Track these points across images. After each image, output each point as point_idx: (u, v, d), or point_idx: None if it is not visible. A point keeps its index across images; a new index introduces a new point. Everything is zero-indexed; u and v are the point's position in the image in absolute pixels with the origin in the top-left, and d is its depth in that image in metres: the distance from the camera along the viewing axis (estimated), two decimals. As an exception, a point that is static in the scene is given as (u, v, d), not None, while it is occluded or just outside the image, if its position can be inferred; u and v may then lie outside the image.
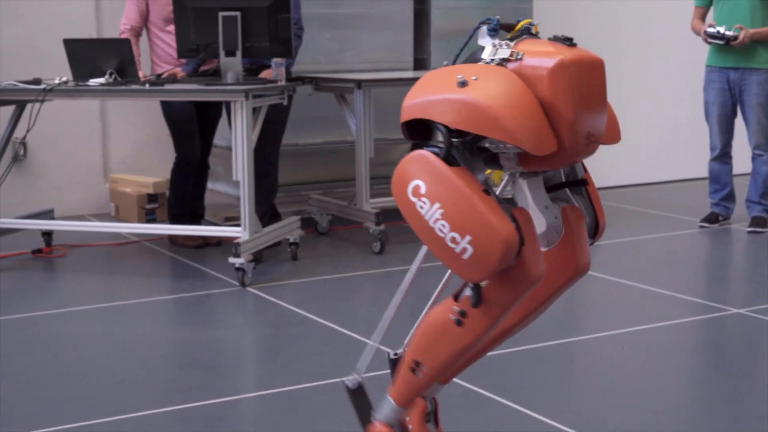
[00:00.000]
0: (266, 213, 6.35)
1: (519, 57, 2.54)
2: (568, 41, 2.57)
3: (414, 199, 2.56)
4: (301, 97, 6.84)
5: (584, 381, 4.44)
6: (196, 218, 6.72)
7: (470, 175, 2.54)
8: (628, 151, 8.88)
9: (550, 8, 8.36)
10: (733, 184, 7.28)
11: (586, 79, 2.55)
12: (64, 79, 6.01)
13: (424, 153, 2.57)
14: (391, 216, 6.94)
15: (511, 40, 2.60)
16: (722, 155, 7.19)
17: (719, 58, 7.02)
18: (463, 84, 2.50)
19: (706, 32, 6.95)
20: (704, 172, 7.44)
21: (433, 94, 2.54)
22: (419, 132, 2.69)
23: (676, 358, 4.73)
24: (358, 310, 5.42)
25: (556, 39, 2.57)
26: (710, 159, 7.24)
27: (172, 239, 6.73)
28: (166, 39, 6.46)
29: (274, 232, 6.08)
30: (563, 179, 2.82)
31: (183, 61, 6.37)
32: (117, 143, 7.85)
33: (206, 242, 6.62)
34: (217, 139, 6.93)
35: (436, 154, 2.55)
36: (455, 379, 4.19)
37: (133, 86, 5.83)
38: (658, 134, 9.08)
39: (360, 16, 7.39)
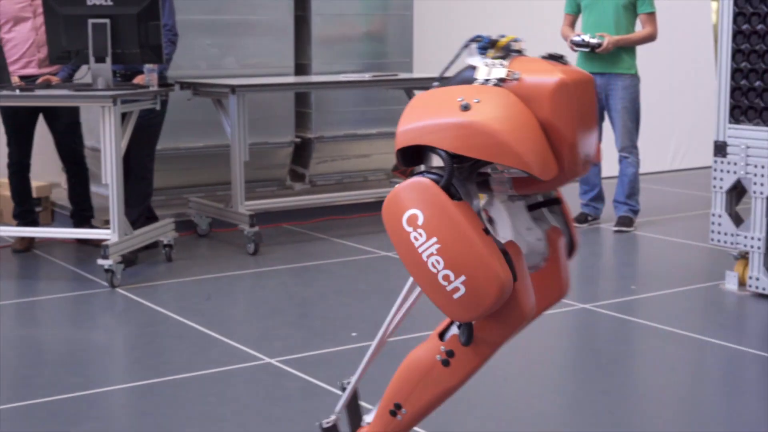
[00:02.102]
0: (141, 216, 6.46)
1: (516, 77, 2.46)
2: (561, 59, 2.52)
3: (409, 229, 2.45)
4: (181, 102, 6.98)
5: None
6: (85, 220, 6.82)
7: (472, 212, 2.43)
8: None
9: (431, 12, 8.56)
10: (602, 186, 7.53)
11: (583, 98, 2.49)
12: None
13: (425, 181, 2.44)
14: (265, 218, 7.12)
15: (502, 58, 2.52)
16: (591, 158, 7.43)
17: (586, 64, 7.27)
18: (466, 108, 2.39)
19: (571, 41, 7.20)
20: (575, 174, 7.66)
21: (433, 118, 2.42)
22: (413, 159, 2.57)
23: (531, 352, 4.93)
24: (220, 309, 5.56)
25: (549, 57, 2.53)
26: (580, 161, 7.48)
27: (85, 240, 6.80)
28: (11, 38, 6.52)
29: (145, 234, 6.21)
30: (539, 199, 2.76)
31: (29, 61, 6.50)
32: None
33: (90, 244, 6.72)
34: (97, 143, 7.03)
35: (436, 182, 2.42)
36: (297, 372, 4.38)
37: (4, 92, 5.92)
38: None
39: (241, 22, 7.54)
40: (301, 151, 8.00)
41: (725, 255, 6.11)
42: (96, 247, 6.74)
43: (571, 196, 7.86)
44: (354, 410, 3.08)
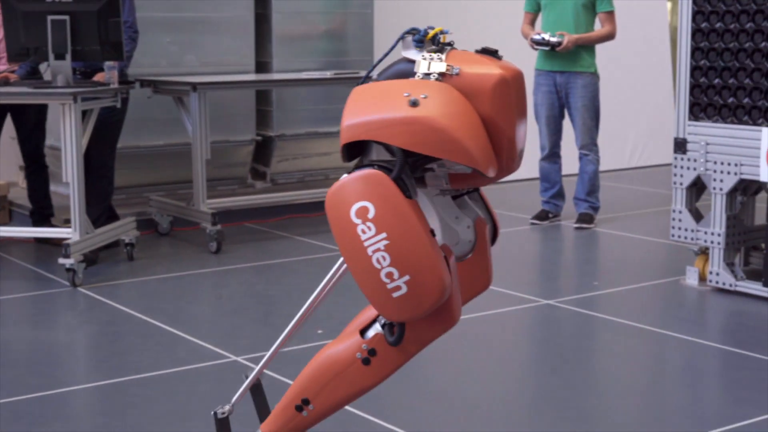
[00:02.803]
0: (102, 214, 6.42)
1: (456, 72, 2.42)
2: (495, 54, 2.50)
3: (357, 221, 2.35)
4: (141, 99, 6.94)
5: (410, 379, 4.62)
6: (45, 219, 6.77)
7: (420, 211, 2.38)
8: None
9: (391, 10, 8.57)
10: (562, 183, 7.58)
11: (519, 93, 2.48)
12: None
13: (379, 174, 2.35)
14: (227, 217, 7.09)
15: (438, 51, 2.48)
16: (551, 155, 7.49)
17: (547, 63, 7.31)
18: (414, 103, 2.33)
19: (532, 39, 7.23)
20: (535, 172, 7.72)
21: (382, 113, 2.35)
22: (357, 152, 2.49)
23: (495, 349, 4.96)
24: (184, 308, 5.54)
25: (484, 51, 2.50)
26: (540, 159, 7.53)
27: (44, 240, 6.75)
28: None
29: (106, 233, 6.17)
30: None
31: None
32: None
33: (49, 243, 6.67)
34: (57, 141, 6.99)
35: (387, 176, 2.35)
36: (270, 372, 4.37)
37: (-38, 89, 5.87)
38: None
39: (201, 20, 7.51)
40: (263, 150, 7.98)
41: (685, 251, 6.17)
42: (56, 246, 6.70)
43: (532, 193, 7.92)
44: (261, 401, 3.03)
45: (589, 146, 7.38)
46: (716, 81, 5.51)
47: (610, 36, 7.31)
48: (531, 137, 7.77)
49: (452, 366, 4.61)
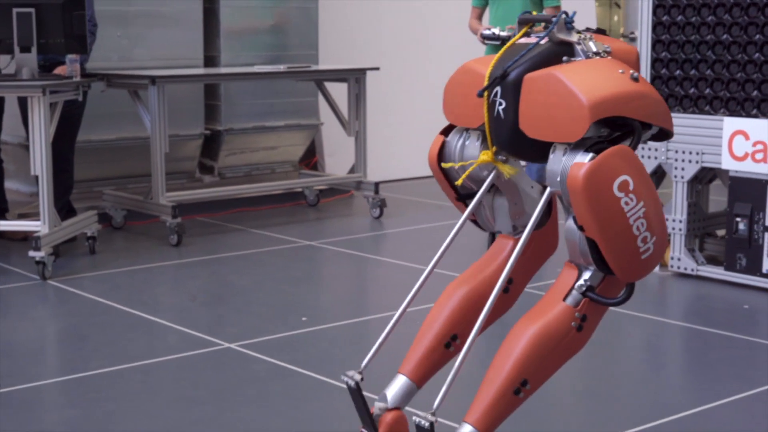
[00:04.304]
0: (62, 209, 6.38)
1: (609, 50, 2.68)
2: (605, 32, 2.79)
3: (620, 194, 2.53)
4: (94, 93, 6.89)
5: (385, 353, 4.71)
6: (1, 214, 6.68)
7: None
8: (412, 144, 9.27)
9: (334, 8, 8.65)
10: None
11: None
12: None
13: (628, 149, 2.55)
14: (186, 209, 7.10)
15: (578, 33, 2.72)
16: (499, 147, 7.63)
17: (495, 56, 7.45)
18: (636, 79, 2.57)
19: (482, 35, 7.34)
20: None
21: (618, 89, 2.54)
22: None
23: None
24: (161, 298, 5.56)
25: (598, 31, 2.76)
26: (488, 151, 7.68)
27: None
28: None
29: (72, 226, 6.14)
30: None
31: None
32: None
33: (25, 237, 6.58)
34: (9, 137, 6.92)
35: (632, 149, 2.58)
36: (260, 355, 4.44)
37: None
38: (439, 128, 9.45)
39: (151, 13, 7.49)
40: (210, 144, 7.99)
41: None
42: (11, 240, 6.64)
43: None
44: (362, 402, 3.00)
45: (537, 138, 7.53)
46: (677, 72, 5.71)
47: (557, 30, 7.48)
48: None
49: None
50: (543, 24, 2.79)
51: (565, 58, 2.70)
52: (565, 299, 2.69)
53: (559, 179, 2.62)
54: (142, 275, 5.94)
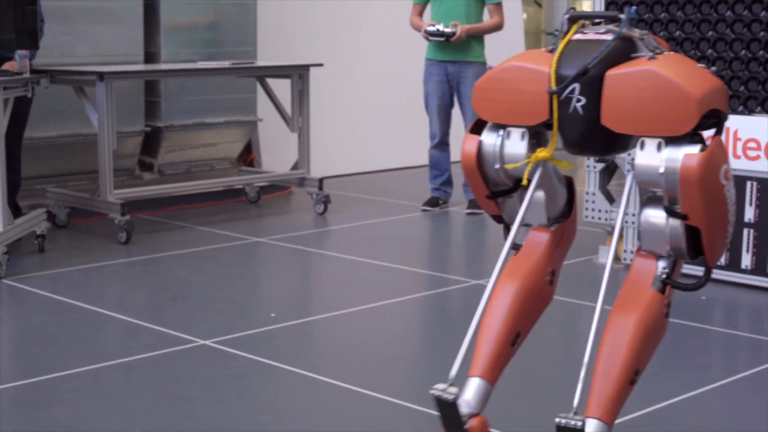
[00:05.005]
0: (11, 206, 6.28)
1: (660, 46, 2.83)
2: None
3: (724, 182, 2.69)
4: (36, 90, 6.79)
5: (358, 346, 4.76)
6: None
7: None
8: (353, 141, 9.32)
9: (273, 5, 8.63)
10: (451, 170, 7.82)
11: None
12: None
13: (721, 139, 2.70)
14: (134, 206, 7.03)
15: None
16: (441, 143, 7.71)
17: (438, 53, 7.53)
18: (715, 73, 2.75)
19: (426, 31, 7.43)
20: (424, 160, 7.95)
21: (710, 85, 2.68)
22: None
23: (426, 325, 5.15)
24: (123, 297, 5.51)
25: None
26: (430, 147, 7.74)
27: None
28: None
29: (24, 224, 6.05)
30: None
31: None
32: None
33: None
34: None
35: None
36: (238, 352, 4.45)
37: None
38: (380, 124, 9.52)
39: (91, 9, 7.40)
40: (149, 141, 7.92)
41: (588, 232, 6.52)
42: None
43: (422, 180, 8.14)
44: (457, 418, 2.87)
45: (478, 134, 7.62)
46: (629, 69, 5.84)
47: (498, 26, 7.59)
48: (421, 126, 8.02)
49: (395, 336, 4.78)
50: (589, 21, 2.88)
51: (632, 54, 2.76)
52: (656, 287, 2.78)
53: (662, 171, 2.69)
54: (97, 273, 5.87)
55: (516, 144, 2.90)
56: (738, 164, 5.45)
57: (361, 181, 8.99)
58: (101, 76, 6.55)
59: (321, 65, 7.72)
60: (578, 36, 2.83)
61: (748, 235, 5.56)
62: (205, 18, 8.05)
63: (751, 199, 5.55)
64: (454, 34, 7.36)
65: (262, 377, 4.24)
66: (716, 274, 5.64)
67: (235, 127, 8.28)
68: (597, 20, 2.89)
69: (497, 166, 2.92)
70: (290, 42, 8.78)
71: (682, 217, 2.72)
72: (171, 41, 7.85)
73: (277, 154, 8.65)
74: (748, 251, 5.58)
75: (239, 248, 6.54)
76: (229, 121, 8.20)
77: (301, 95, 7.65)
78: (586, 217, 6.14)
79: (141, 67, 7.36)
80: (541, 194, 2.98)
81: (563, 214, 3.04)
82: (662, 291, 2.78)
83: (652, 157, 2.73)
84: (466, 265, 6.43)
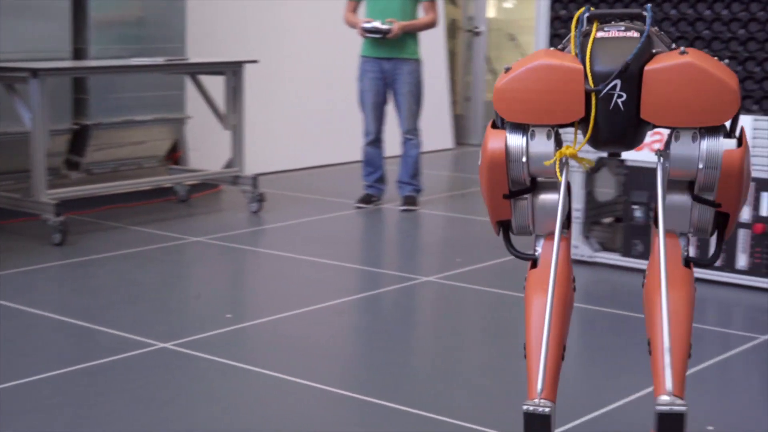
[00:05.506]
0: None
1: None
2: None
3: (749, 171, 2.87)
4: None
5: (320, 344, 4.71)
6: None
7: None
8: (284, 137, 9.25)
9: (204, 3, 8.52)
10: (385, 167, 7.80)
11: None
12: None
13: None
14: (68, 206, 6.87)
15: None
16: (375, 140, 7.69)
17: (373, 49, 7.51)
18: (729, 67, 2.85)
19: (363, 28, 7.40)
20: (355, 156, 7.91)
21: (736, 78, 2.79)
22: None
23: (390, 321, 5.13)
24: (69, 300, 5.37)
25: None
26: (364, 144, 7.72)
27: None
28: None
29: (-41, 226, 5.88)
30: None
31: None
32: None
33: None
34: None
35: None
36: (202, 354, 4.37)
37: None
38: (313, 121, 9.46)
39: (17, 5, 7.18)
40: (76, 139, 7.73)
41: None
42: None
43: (354, 177, 8.11)
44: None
45: (413, 131, 7.64)
46: (574, 66, 5.88)
47: (433, 23, 7.61)
48: (354, 123, 7.99)
49: (358, 333, 4.76)
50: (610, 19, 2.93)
51: (654, 50, 2.84)
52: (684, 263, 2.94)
53: (702, 165, 2.80)
54: (37, 276, 5.72)
55: (542, 143, 2.90)
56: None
57: (294, 178, 8.92)
58: (35, 72, 6.38)
59: (256, 62, 7.64)
60: (600, 34, 2.85)
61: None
62: (134, 14, 7.89)
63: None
64: (390, 31, 7.34)
65: (231, 379, 4.17)
66: (644, 264, 5.72)
67: (164, 125, 8.14)
68: (609, 19, 2.92)
69: (524, 159, 2.91)
70: (220, 38, 8.67)
71: (715, 205, 2.85)
72: (100, 37, 7.67)
73: (204, 151, 8.53)
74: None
75: (179, 248, 6.43)
76: (157, 119, 8.05)
77: (235, 92, 7.56)
78: (531, 213, 6.16)
79: (76, 63, 7.19)
80: (554, 198, 2.97)
81: (568, 219, 3.05)
82: (688, 267, 2.93)
83: (688, 147, 2.83)
84: (408, 263, 6.41)
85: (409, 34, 7.49)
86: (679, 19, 5.65)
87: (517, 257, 3.09)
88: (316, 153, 9.48)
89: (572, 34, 2.89)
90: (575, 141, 2.87)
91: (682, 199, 2.92)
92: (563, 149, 2.87)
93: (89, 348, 4.52)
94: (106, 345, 4.54)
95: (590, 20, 2.90)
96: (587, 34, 2.87)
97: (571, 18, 5.77)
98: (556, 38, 5.94)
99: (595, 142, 2.89)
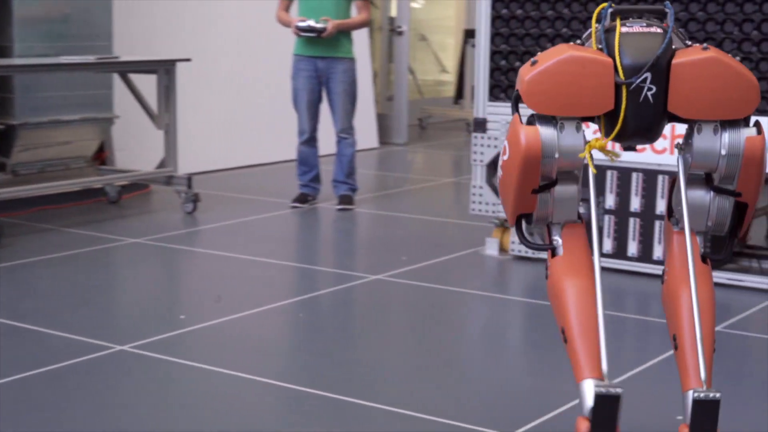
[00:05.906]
0: None
1: None
2: None
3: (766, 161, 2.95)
4: None
5: (278, 343, 4.68)
6: None
7: None
8: (217, 136, 9.16)
9: (131, 7, 8.40)
10: (320, 166, 7.77)
11: None
12: None
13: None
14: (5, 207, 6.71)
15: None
16: (310, 139, 7.65)
17: (307, 48, 7.47)
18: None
19: (297, 26, 7.36)
20: (290, 155, 7.87)
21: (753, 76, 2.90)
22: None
23: (346, 319, 5.12)
24: (14, 304, 5.23)
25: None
26: (299, 143, 7.67)
27: None
28: None
29: None
30: None
31: None
32: None
33: None
34: None
35: None
36: (162, 356, 4.32)
37: None
38: (246, 120, 9.38)
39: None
40: (2, 140, 7.56)
41: (468, 225, 6.62)
42: None
43: (289, 177, 8.07)
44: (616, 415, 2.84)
45: (347, 130, 7.63)
46: (517, 64, 5.94)
47: (366, 23, 7.61)
48: (287, 122, 7.95)
49: (318, 331, 4.75)
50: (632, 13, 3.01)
51: (674, 46, 2.92)
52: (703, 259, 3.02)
53: (725, 152, 2.89)
54: (-23, 279, 5.59)
55: (572, 135, 2.95)
56: (628, 157, 5.61)
57: (227, 178, 8.83)
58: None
59: (189, 60, 7.55)
60: (624, 29, 2.92)
61: (634, 224, 5.74)
62: (59, 10, 7.73)
63: (637, 190, 5.73)
64: (324, 29, 7.32)
65: (193, 380, 4.13)
66: (603, 262, 5.80)
67: (91, 125, 7.99)
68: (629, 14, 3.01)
69: (557, 155, 2.94)
70: (150, 36, 8.55)
71: (737, 194, 2.94)
72: (24, 34, 7.51)
73: (131, 151, 8.41)
74: (634, 239, 5.75)
75: (118, 250, 6.32)
76: (85, 118, 7.90)
77: (167, 91, 7.46)
78: (473, 210, 6.20)
79: (6, 61, 7.01)
80: (573, 189, 3.01)
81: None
82: (705, 263, 3.01)
83: (711, 140, 2.92)
84: (355, 262, 6.41)
85: (344, 33, 7.48)
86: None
87: (532, 248, 3.17)
88: (250, 152, 9.40)
89: (592, 29, 2.95)
90: (603, 133, 2.94)
91: (699, 194, 3.01)
92: (592, 142, 2.92)
93: (47, 352, 4.42)
94: (64, 349, 4.45)
95: (613, 16, 2.97)
96: (608, 30, 2.93)
97: (513, 17, 5.83)
98: (498, 36, 5.98)
99: (620, 134, 2.94)
